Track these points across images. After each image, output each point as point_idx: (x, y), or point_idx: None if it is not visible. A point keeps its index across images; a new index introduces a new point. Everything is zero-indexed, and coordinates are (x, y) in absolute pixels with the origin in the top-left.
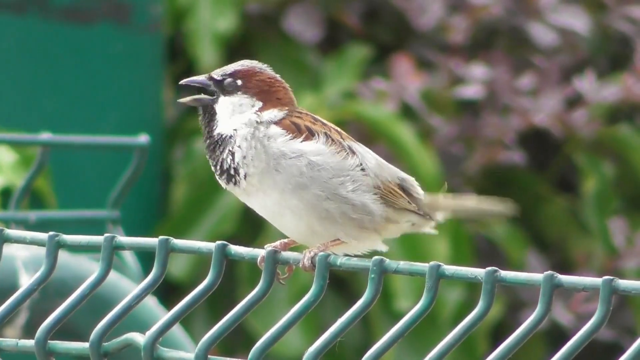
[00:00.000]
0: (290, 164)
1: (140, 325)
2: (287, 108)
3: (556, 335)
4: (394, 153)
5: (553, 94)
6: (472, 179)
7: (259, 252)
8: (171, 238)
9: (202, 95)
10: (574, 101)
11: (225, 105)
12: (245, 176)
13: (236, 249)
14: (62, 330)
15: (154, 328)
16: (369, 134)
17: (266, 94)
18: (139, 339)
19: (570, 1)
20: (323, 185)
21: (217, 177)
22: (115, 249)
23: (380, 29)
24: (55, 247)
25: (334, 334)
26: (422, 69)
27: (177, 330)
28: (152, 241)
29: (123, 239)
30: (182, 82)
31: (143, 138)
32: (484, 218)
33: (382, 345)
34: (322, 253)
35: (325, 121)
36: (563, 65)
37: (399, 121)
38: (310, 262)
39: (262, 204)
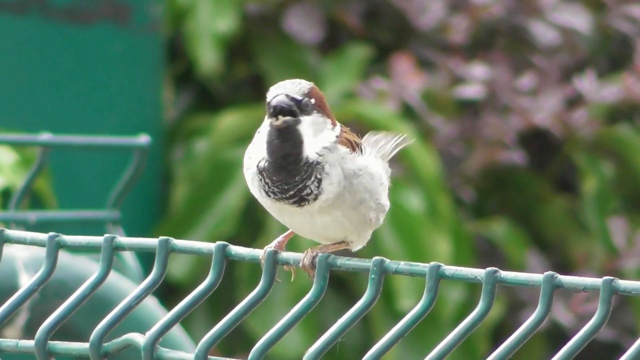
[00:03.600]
0: (359, 182)
1: (140, 325)
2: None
3: (556, 335)
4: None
5: (553, 93)
6: (472, 179)
7: (260, 253)
8: (171, 238)
9: (289, 117)
10: (574, 101)
11: (307, 125)
12: (323, 201)
13: (236, 250)
14: (62, 330)
15: (154, 328)
16: None
17: (329, 112)
18: (139, 339)
19: (571, 0)
20: (374, 197)
21: (266, 195)
22: (115, 249)
23: (380, 29)
24: (55, 247)
25: (334, 335)
26: (422, 69)
27: (177, 331)
28: (152, 242)
29: (123, 239)
30: (278, 104)
31: (143, 138)
32: None
33: (383, 345)
34: (322, 253)
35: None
36: (563, 64)
37: (399, 121)
38: (310, 262)
39: (314, 221)
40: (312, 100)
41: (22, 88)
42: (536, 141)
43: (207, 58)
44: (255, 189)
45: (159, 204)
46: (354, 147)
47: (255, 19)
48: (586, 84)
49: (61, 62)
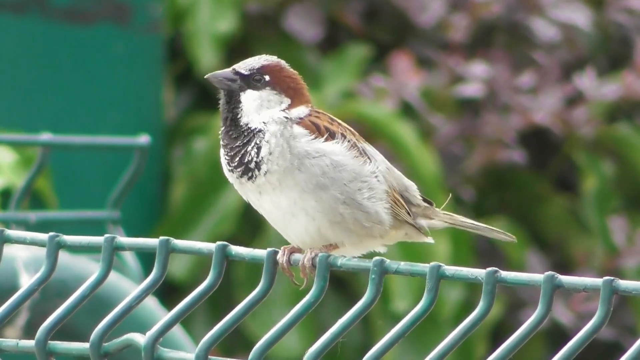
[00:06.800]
0: (313, 164)
1: (140, 325)
2: (310, 106)
3: (556, 334)
4: (394, 152)
5: (553, 91)
6: (472, 178)
7: (260, 253)
8: (171, 239)
9: (228, 82)
10: (574, 99)
11: (252, 99)
12: (265, 173)
13: (237, 250)
14: (63, 330)
15: (155, 328)
16: (369, 133)
17: (293, 91)
18: (140, 339)
19: None
20: (342, 188)
21: (226, 168)
22: (115, 249)
23: (380, 28)
24: (55, 247)
25: (334, 335)
26: (422, 67)
27: (177, 331)
28: (152, 242)
29: (123, 239)
30: (207, 76)
31: (143, 138)
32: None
33: (383, 345)
34: (322, 254)
35: (340, 121)
36: (563, 62)
37: (399, 120)
38: (310, 263)
39: (276, 203)
40: (267, 77)
41: (22, 88)
42: (536, 140)
43: (207, 58)
44: (223, 166)
45: (158, 203)
46: (321, 132)
47: (255, 18)
48: (586, 81)
49: (61, 62)
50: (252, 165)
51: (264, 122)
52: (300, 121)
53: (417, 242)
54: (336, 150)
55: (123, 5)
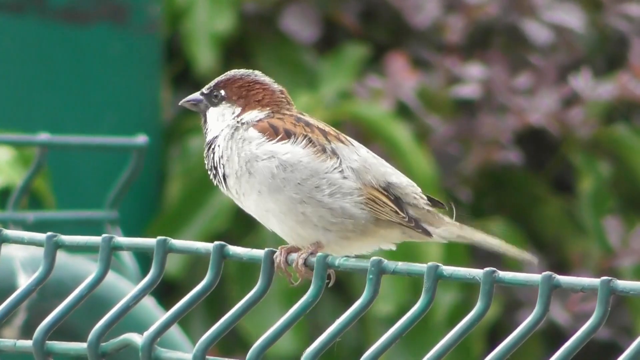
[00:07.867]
0: (262, 166)
1: (138, 325)
2: (268, 108)
3: (553, 335)
4: (389, 153)
5: (549, 93)
6: (468, 179)
7: (258, 253)
8: (169, 239)
9: (198, 103)
10: (570, 100)
11: (212, 115)
12: (224, 177)
13: (234, 250)
14: (60, 330)
15: (152, 328)
16: (365, 133)
17: (245, 99)
18: (137, 339)
19: None
20: (297, 187)
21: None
22: (113, 249)
23: (377, 29)
24: (53, 247)
25: (332, 335)
26: (418, 69)
27: (175, 331)
28: (150, 242)
29: (121, 239)
30: (181, 103)
31: (141, 139)
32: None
33: (380, 345)
34: (320, 253)
35: (311, 121)
36: (559, 63)
37: (395, 121)
38: (303, 261)
39: (247, 207)
40: (222, 92)
41: (20, 88)
42: (533, 141)
43: (205, 58)
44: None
45: (156, 203)
46: (278, 133)
47: (253, 19)
48: (582, 82)
49: (59, 62)
50: (214, 170)
51: (221, 129)
52: (256, 124)
53: (422, 241)
54: (287, 150)
55: (120, 5)
